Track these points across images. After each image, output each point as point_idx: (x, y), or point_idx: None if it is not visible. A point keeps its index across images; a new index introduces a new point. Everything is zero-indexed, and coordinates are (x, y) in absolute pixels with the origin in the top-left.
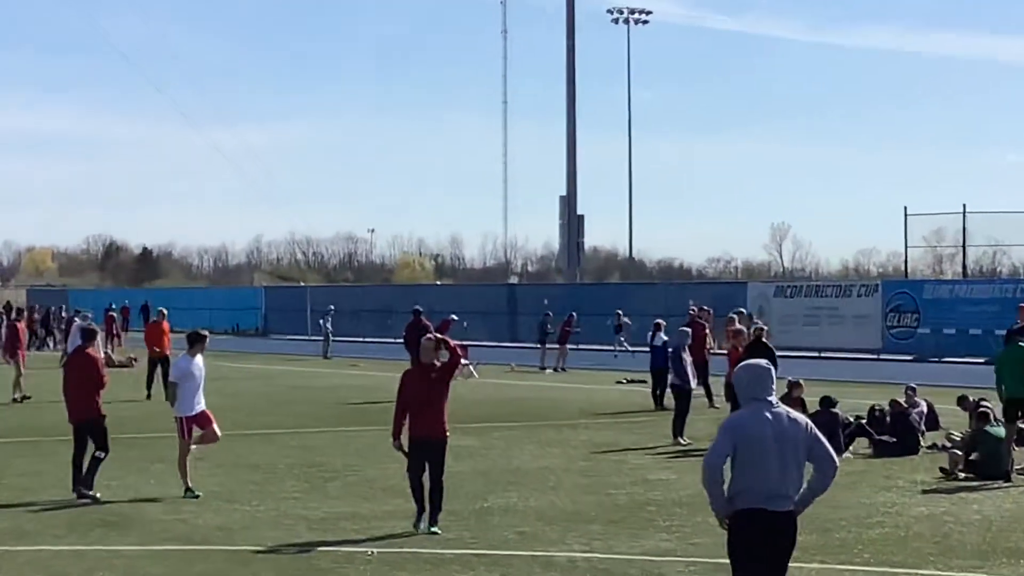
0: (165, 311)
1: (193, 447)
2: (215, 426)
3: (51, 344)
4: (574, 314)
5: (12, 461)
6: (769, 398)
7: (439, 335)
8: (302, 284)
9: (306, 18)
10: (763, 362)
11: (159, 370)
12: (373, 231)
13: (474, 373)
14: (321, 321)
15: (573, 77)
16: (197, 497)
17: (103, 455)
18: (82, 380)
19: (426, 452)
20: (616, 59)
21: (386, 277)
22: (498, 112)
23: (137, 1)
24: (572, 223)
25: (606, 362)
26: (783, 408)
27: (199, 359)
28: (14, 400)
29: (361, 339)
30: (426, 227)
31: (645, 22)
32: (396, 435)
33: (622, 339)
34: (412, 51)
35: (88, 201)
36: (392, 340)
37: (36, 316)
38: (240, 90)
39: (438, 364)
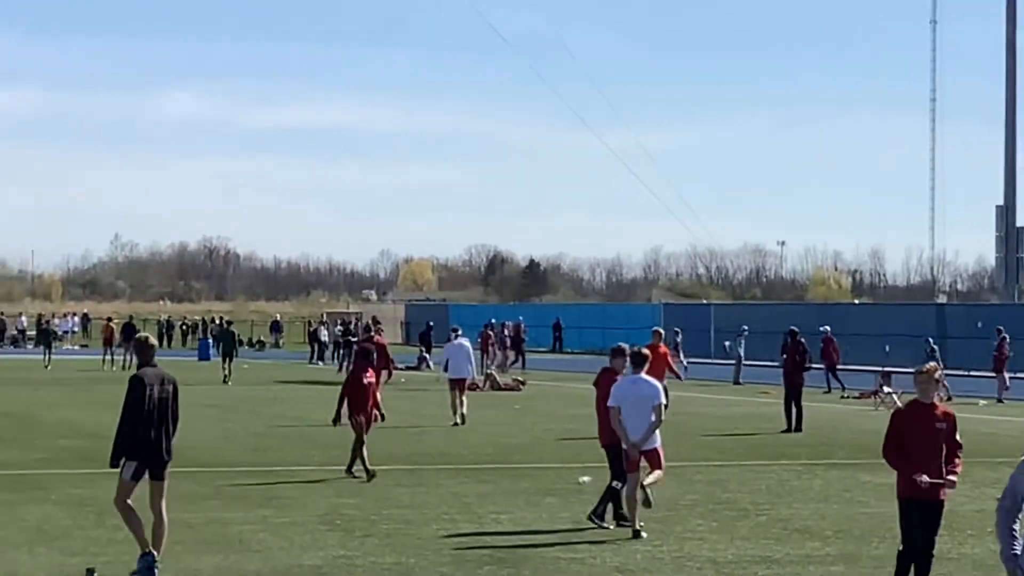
0: (661, 331)
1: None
2: (662, 467)
3: (429, 364)
4: (1007, 337)
5: (392, 491)
6: None
7: None
8: (705, 301)
9: (708, 11)
10: None
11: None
12: (783, 243)
13: (898, 403)
14: (727, 344)
15: (1013, 71)
16: (640, 537)
17: (619, 485)
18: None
19: (921, 515)
20: None
21: (798, 294)
22: (926, 112)
23: None
24: (1010, 236)
25: None
26: None
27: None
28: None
29: (771, 363)
30: (843, 239)
31: None
32: (909, 472)
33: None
34: (825, 44)
35: (471, 209)
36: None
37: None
38: (640, 90)
39: (939, 403)
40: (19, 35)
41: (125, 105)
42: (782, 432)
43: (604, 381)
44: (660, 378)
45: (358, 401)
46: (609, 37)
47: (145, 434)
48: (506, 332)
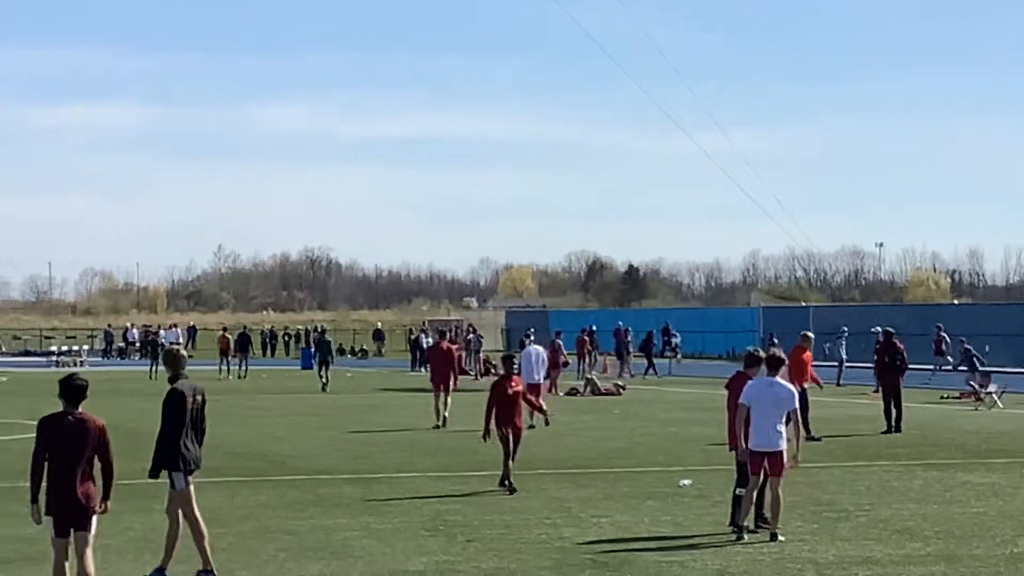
0: (810, 335)
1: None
2: (782, 473)
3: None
4: None
5: (494, 496)
6: None
7: None
8: (804, 304)
9: (800, 12)
10: None
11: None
12: (882, 245)
13: (998, 403)
14: (828, 345)
15: None
16: (741, 539)
17: (742, 491)
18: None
19: None
20: None
21: (897, 296)
22: (1022, 110)
23: None
24: None
25: None
26: None
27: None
28: (436, 427)
29: (869, 365)
30: (941, 240)
31: None
32: None
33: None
34: (921, 45)
35: (570, 215)
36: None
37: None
38: (734, 92)
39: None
40: (121, 51)
41: (225, 118)
42: (882, 433)
43: (736, 386)
44: (801, 383)
45: (505, 413)
46: (699, 39)
47: (186, 444)
48: (628, 337)
